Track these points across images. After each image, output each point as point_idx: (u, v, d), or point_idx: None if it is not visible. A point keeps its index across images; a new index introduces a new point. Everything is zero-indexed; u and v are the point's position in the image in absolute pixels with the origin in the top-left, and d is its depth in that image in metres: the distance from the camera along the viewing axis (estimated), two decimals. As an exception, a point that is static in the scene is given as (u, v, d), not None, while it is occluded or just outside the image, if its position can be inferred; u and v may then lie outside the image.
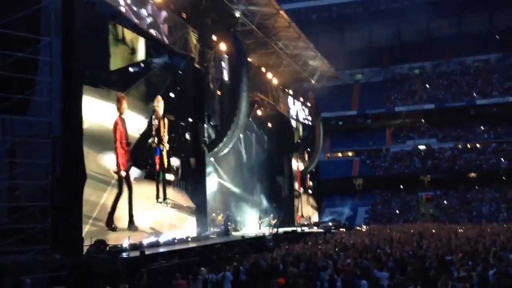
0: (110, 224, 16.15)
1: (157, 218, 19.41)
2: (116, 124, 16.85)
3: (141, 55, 18.84)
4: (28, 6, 14.14)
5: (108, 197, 16.24)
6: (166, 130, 20.12)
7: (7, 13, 13.57)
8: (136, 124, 18.32)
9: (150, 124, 19.13)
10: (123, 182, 16.87)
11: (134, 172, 17.89)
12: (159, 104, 19.78)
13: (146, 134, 18.89)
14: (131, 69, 18.23)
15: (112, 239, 15.54)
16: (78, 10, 15.29)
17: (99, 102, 16.19)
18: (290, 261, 14.60)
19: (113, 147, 16.64)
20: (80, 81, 15.29)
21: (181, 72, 21.15)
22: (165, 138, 20.09)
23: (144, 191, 18.70)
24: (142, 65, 18.86)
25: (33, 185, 14.11)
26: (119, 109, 17.06)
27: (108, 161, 16.46)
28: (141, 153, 18.55)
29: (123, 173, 16.85)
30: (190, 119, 21.70)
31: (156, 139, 19.46)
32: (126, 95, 17.47)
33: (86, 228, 14.87)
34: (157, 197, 19.46)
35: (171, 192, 20.57)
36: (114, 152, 16.63)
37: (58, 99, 14.46)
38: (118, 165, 16.70)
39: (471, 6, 64.11)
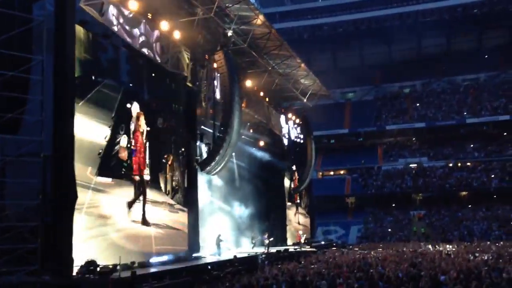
0: (145, 222, 18.71)
1: (146, 233, 19.18)
2: (136, 137, 18.88)
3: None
4: (19, 25, 14.13)
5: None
6: (145, 139, 19.53)
7: (-1, 33, 13.55)
8: (99, 132, 17.14)
9: (117, 131, 17.97)
10: (142, 184, 18.90)
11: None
12: (141, 117, 19.34)
13: (113, 140, 17.70)
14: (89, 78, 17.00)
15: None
16: (71, 28, 15.28)
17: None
18: (283, 281, 14.46)
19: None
20: (72, 100, 15.20)
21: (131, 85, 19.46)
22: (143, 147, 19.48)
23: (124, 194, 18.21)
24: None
25: (23, 205, 13.98)
26: (136, 124, 18.89)
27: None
28: (111, 159, 17.62)
29: (146, 177, 19.23)
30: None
31: (133, 141, 18.78)
32: (85, 103, 16.38)
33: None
34: (135, 198, 18.86)
35: (162, 212, 20.46)
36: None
37: (49, 117, 14.36)
38: (140, 170, 18.88)
39: (460, 25, 64.93)
